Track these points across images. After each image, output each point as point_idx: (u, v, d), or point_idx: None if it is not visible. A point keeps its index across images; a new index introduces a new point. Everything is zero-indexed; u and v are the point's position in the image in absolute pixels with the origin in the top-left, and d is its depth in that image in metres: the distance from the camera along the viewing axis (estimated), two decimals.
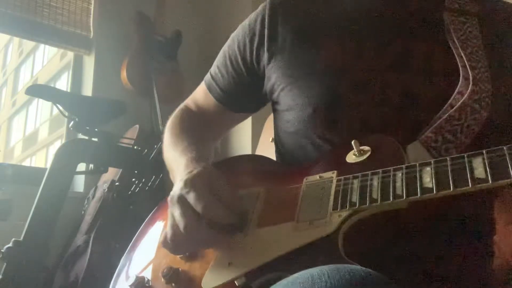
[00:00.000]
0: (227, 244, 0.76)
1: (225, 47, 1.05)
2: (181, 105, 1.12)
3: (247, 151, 2.85)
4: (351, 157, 0.77)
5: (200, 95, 1.09)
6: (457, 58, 0.83)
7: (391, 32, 0.87)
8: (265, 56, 0.94)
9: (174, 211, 0.76)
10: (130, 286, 0.83)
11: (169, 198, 0.78)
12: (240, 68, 0.99)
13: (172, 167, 0.95)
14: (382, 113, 0.83)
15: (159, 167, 2.33)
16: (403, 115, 0.82)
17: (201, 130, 1.04)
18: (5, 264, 1.94)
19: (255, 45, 0.96)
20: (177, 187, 0.77)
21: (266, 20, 0.95)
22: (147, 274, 0.85)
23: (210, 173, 0.79)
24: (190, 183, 0.76)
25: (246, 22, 1.01)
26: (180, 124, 1.05)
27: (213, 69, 1.06)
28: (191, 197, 0.74)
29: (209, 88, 1.06)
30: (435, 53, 0.85)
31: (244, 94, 1.02)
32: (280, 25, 0.94)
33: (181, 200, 0.75)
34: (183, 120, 1.07)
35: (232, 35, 1.04)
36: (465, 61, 0.82)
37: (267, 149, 2.40)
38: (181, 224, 0.74)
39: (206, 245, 0.78)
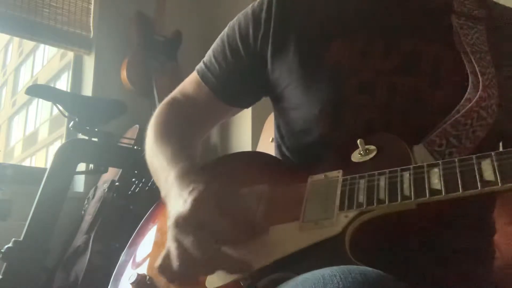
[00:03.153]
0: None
1: (223, 37, 1.00)
2: (166, 99, 1.05)
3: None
4: (356, 156, 0.76)
5: (190, 85, 1.04)
6: (466, 63, 0.82)
7: (399, 33, 0.86)
8: (269, 48, 0.92)
9: (184, 239, 0.67)
10: (131, 284, 0.82)
11: (171, 223, 0.69)
12: (242, 57, 0.96)
13: (158, 174, 0.87)
14: (387, 115, 0.82)
15: None
16: (408, 118, 0.81)
17: (188, 127, 0.98)
18: (5, 264, 1.93)
19: (260, 35, 0.94)
20: (181, 214, 0.69)
21: (273, 10, 0.93)
22: (148, 272, 0.84)
23: (216, 194, 0.71)
24: (195, 214, 0.68)
25: (248, 10, 0.98)
26: (165, 123, 0.98)
27: (207, 58, 1.02)
28: (204, 225, 0.67)
29: (203, 77, 1.00)
30: (443, 57, 0.84)
31: (241, 85, 0.99)
32: (287, 19, 0.92)
33: (191, 224, 0.67)
34: (168, 118, 1.00)
35: (231, 23, 1.00)
36: (475, 67, 0.81)
37: (267, 149, 2.39)
38: (197, 252, 0.66)
39: (223, 265, 0.69)
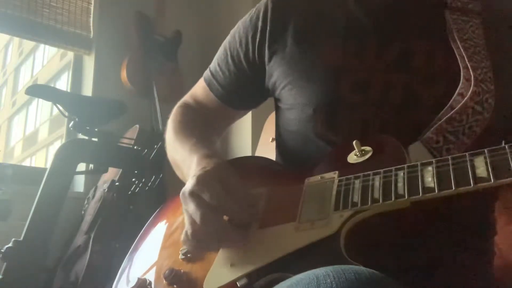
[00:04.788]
0: (239, 241, 0.75)
1: (225, 44, 1.04)
2: (180, 102, 1.11)
3: (247, 151, 2.84)
4: (352, 158, 0.77)
5: (199, 91, 1.08)
6: (458, 58, 0.82)
7: (392, 31, 0.87)
8: (266, 53, 0.94)
9: (188, 206, 0.75)
10: None
11: (180, 194, 0.76)
12: (242, 64, 0.99)
13: (180, 166, 0.93)
14: (382, 113, 0.82)
15: (159, 167, 2.33)
16: (404, 115, 0.82)
17: (205, 127, 1.03)
18: (5, 264, 1.93)
19: (257, 41, 0.96)
20: (190, 184, 0.76)
21: (269, 16, 0.95)
22: (149, 276, 0.84)
23: (224, 170, 0.79)
24: (203, 180, 0.75)
25: (247, 18, 1.00)
26: (183, 122, 1.04)
27: (213, 65, 1.05)
28: (205, 195, 0.73)
29: (209, 85, 1.05)
30: (436, 53, 0.84)
31: (245, 90, 1.02)
32: (282, 22, 0.94)
33: (194, 195, 0.74)
34: (185, 118, 1.05)
35: (233, 31, 1.03)
36: (467, 62, 0.81)
37: (267, 149, 2.40)
38: (197, 216, 0.72)
39: (224, 238, 0.75)
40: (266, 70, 0.95)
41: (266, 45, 0.94)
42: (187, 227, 0.75)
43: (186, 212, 0.76)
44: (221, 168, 0.79)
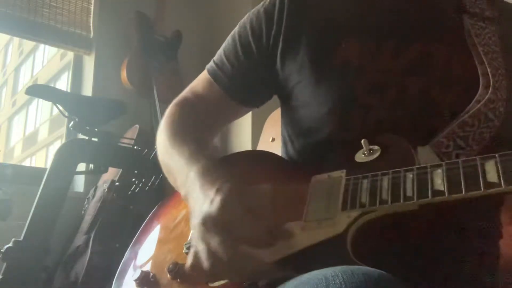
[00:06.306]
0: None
1: (234, 35, 0.99)
2: (176, 100, 1.03)
3: None
4: (360, 156, 0.76)
5: (201, 85, 1.02)
6: (477, 65, 0.82)
7: (411, 33, 0.86)
8: (281, 45, 0.92)
9: (211, 239, 0.66)
10: (135, 280, 0.83)
11: (198, 222, 0.67)
12: (253, 55, 0.95)
13: (174, 174, 0.87)
14: (396, 116, 0.81)
15: (159, 167, 2.31)
16: (418, 120, 0.81)
17: (202, 127, 0.97)
18: (5, 264, 1.93)
19: (272, 33, 0.93)
20: (209, 213, 0.66)
21: (285, 8, 0.92)
22: (152, 269, 0.84)
23: (241, 194, 0.69)
24: (229, 205, 0.66)
25: (260, 8, 0.97)
26: (178, 123, 0.96)
27: (219, 58, 1.01)
28: (236, 228, 0.65)
29: (215, 77, 0.99)
30: (454, 58, 0.83)
31: (254, 84, 0.98)
32: (299, 16, 0.92)
33: (220, 226, 0.65)
34: (181, 118, 0.98)
35: (243, 22, 0.99)
36: (487, 68, 0.80)
37: (267, 149, 2.39)
38: (223, 253, 0.64)
39: (254, 271, 0.68)
40: (278, 63, 0.92)
41: (281, 37, 0.91)
42: (205, 258, 0.66)
43: (202, 241, 0.66)
44: (240, 188, 0.70)
